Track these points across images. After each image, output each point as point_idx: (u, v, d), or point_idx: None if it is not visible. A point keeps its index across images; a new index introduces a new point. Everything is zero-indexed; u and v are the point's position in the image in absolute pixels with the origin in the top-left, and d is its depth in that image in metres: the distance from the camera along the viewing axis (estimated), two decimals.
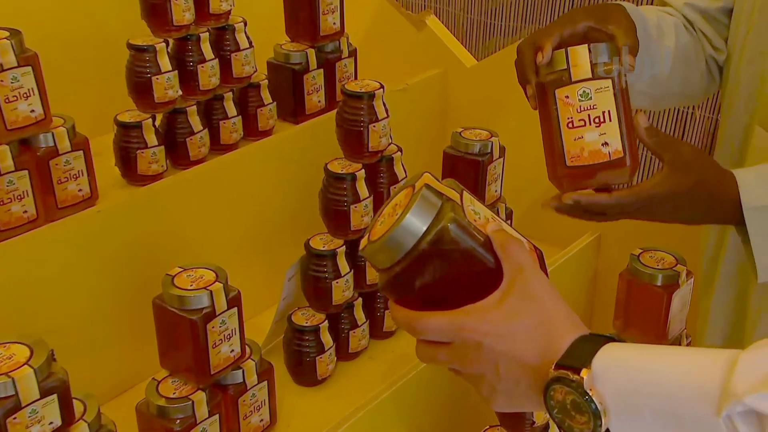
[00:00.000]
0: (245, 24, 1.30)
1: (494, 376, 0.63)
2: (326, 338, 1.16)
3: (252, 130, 1.34)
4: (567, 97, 0.81)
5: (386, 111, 1.19)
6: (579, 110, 0.81)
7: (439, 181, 0.66)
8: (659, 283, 1.19)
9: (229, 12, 1.27)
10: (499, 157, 1.35)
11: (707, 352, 0.59)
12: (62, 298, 1.06)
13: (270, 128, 1.36)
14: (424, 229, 0.61)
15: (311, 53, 1.35)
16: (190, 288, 0.93)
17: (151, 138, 1.19)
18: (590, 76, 0.81)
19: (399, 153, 1.23)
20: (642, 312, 1.22)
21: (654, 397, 0.58)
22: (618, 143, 0.81)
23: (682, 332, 1.28)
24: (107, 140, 1.22)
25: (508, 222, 1.46)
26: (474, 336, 0.62)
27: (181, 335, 0.94)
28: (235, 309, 0.97)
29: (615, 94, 0.81)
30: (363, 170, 1.17)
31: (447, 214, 0.62)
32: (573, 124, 0.81)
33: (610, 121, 0.80)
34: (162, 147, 1.21)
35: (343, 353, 1.21)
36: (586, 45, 0.82)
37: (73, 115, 1.11)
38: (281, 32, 1.39)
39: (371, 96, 1.16)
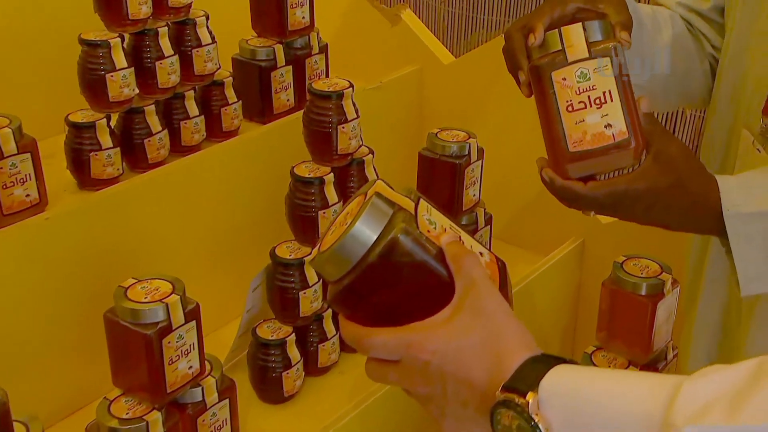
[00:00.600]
0: (207, 18, 1.23)
1: (442, 397, 0.61)
2: (293, 352, 1.10)
3: (215, 131, 1.28)
4: (564, 79, 0.77)
5: (356, 111, 1.13)
6: (578, 92, 0.76)
7: (392, 188, 0.63)
8: (643, 293, 1.14)
9: (189, 5, 1.20)
10: (478, 159, 1.29)
11: (655, 377, 0.57)
12: (6, 311, 1.00)
13: (235, 129, 1.30)
14: (374, 239, 0.59)
15: (279, 49, 1.29)
16: (144, 300, 0.88)
17: (106, 139, 1.12)
18: (587, 55, 0.76)
19: (370, 156, 1.17)
20: (626, 323, 1.17)
21: (600, 423, 0.56)
22: (621, 124, 0.76)
23: (669, 344, 1.23)
24: (59, 142, 1.15)
25: (487, 227, 1.41)
26: (421, 355, 0.60)
27: (135, 351, 0.88)
28: (194, 322, 0.92)
29: (615, 73, 0.77)
30: (332, 174, 1.11)
31: (397, 225, 0.59)
32: (573, 108, 0.77)
33: (612, 101, 0.76)
34: (118, 149, 1.14)
35: (312, 368, 1.15)
36: (580, 23, 0.78)
37: (20, 115, 1.04)
38: (248, 27, 1.32)
39: (340, 95, 1.10)
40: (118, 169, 1.14)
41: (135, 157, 1.18)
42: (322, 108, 1.10)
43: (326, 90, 1.10)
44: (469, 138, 1.27)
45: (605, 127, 0.76)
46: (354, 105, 1.12)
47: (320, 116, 1.10)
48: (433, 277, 0.60)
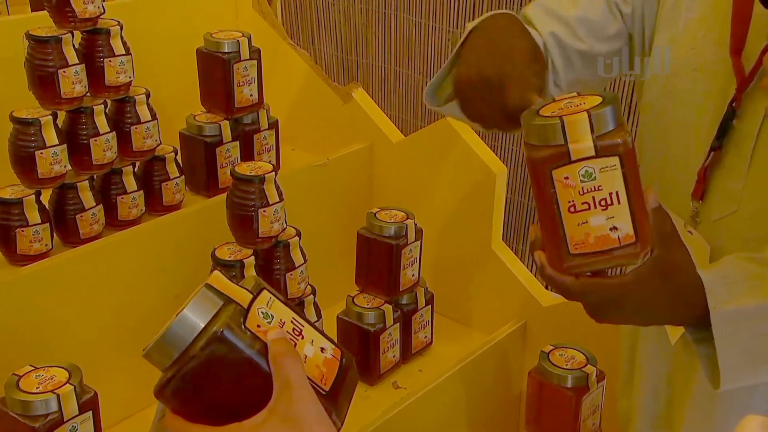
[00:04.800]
0: (148, 96, 1.24)
1: None
2: None
3: (156, 205, 1.28)
4: (567, 178, 0.67)
5: (279, 195, 1.13)
6: (581, 192, 0.68)
7: (232, 281, 0.61)
8: (568, 385, 1.13)
9: (128, 84, 1.21)
10: (416, 240, 1.28)
11: None
12: None
13: (177, 203, 1.30)
14: (197, 332, 0.58)
15: (225, 125, 1.30)
16: (35, 391, 0.87)
17: (34, 215, 1.13)
18: (593, 153, 0.67)
19: (296, 238, 1.17)
20: (552, 415, 1.15)
21: None
22: (629, 227, 0.68)
23: None
24: None
25: (428, 307, 1.39)
26: None
27: None
28: (90, 413, 0.91)
29: (624, 172, 0.67)
30: (252, 257, 1.10)
31: (221, 319, 0.58)
32: (575, 209, 0.68)
33: (619, 203, 0.68)
34: (46, 225, 1.14)
35: None
36: (586, 114, 0.67)
37: None
38: (198, 103, 1.34)
39: (261, 180, 1.10)
40: (46, 245, 1.15)
41: (67, 232, 1.19)
42: (243, 191, 1.10)
43: (248, 174, 1.10)
44: (408, 218, 1.27)
45: (611, 229, 0.68)
46: (277, 188, 1.12)
47: (241, 200, 1.10)
48: (257, 375, 0.59)
